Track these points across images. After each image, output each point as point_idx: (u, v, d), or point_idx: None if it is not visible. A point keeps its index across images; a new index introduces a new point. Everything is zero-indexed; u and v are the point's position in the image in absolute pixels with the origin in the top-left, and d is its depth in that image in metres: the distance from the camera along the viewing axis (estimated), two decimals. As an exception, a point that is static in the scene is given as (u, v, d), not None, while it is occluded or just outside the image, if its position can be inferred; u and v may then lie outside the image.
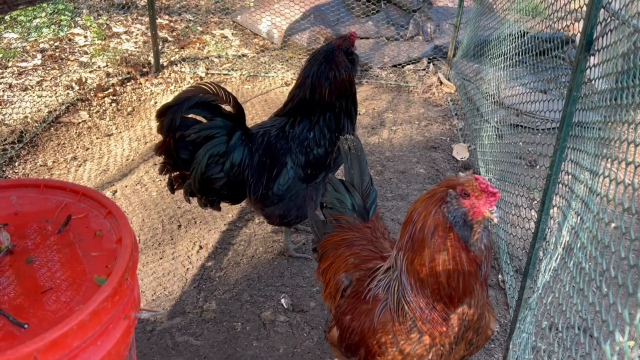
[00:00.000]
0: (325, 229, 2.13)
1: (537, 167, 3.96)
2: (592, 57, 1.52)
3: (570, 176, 1.67)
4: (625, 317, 0.84)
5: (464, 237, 1.45)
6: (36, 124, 4.01)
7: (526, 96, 4.06)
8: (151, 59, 4.91)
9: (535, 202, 3.51)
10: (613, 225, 1.08)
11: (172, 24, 5.83)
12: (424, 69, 5.32)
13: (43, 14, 5.59)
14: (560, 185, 1.72)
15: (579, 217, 1.44)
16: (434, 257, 1.48)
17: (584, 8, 1.87)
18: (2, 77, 4.54)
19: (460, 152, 4.13)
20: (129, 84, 4.69)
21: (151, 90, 4.63)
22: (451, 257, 1.45)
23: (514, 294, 2.49)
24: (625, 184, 1.06)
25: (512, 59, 3.63)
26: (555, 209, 1.79)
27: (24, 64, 4.76)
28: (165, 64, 5.01)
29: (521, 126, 4.32)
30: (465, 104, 4.62)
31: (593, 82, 1.50)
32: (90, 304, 1.07)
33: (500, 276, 2.97)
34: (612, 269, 0.99)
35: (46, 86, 4.50)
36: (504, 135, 3.53)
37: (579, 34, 1.54)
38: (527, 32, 3.54)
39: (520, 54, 3.46)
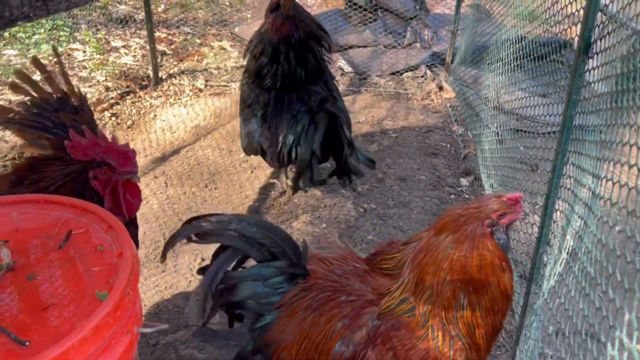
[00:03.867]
0: (260, 322, 1.76)
1: (539, 171, 3.95)
2: (590, 60, 1.52)
3: (572, 180, 1.67)
4: (633, 322, 0.83)
5: (505, 248, 1.56)
6: (36, 140, 4.01)
7: (526, 100, 4.05)
8: (150, 72, 4.93)
9: (538, 206, 3.49)
10: (617, 228, 1.07)
11: (170, 37, 5.86)
12: (422, 76, 5.33)
13: (42, 30, 5.61)
14: (562, 189, 1.72)
15: (582, 221, 1.43)
16: (501, 283, 1.55)
17: (581, 11, 1.88)
18: (2, 94, 4.55)
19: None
20: (128, 97, 4.70)
21: (150, 104, 4.65)
22: (509, 276, 1.56)
23: (519, 300, 2.47)
24: (628, 186, 1.06)
25: (510, 64, 3.63)
26: (558, 213, 1.78)
27: (23, 80, 4.77)
28: (164, 76, 5.02)
29: (521, 131, 4.31)
30: (464, 110, 4.63)
31: (593, 85, 1.50)
32: (92, 319, 1.06)
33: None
34: (618, 273, 0.98)
35: (46, 101, 4.51)
36: (504, 140, 3.53)
37: (576, 38, 1.54)
38: (525, 37, 3.54)
39: (519, 58, 3.47)
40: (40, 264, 1.27)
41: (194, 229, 1.77)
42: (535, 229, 2.75)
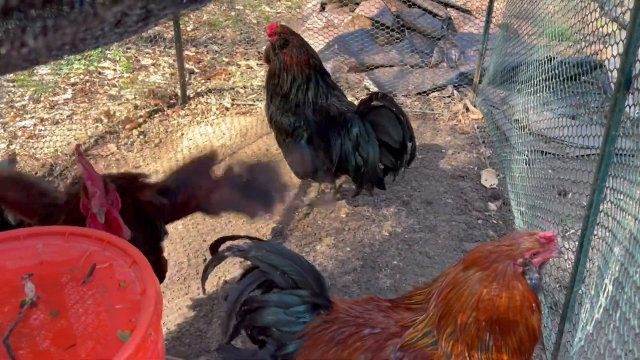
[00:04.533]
0: (282, 350, 1.75)
1: (569, 196, 3.85)
2: (630, 95, 1.47)
3: (611, 219, 1.60)
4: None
5: (537, 288, 1.52)
6: (66, 157, 4.08)
7: (555, 122, 3.96)
8: (178, 91, 4.98)
9: (568, 232, 3.39)
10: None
11: (198, 56, 5.93)
12: (449, 96, 5.28)
13: (74, 49, 5.74)
14: (599, 226, 1.65)
15: (623, 267, 1.37)
16: (528, 326, 1.51)
17: (615, 32, 1.82)
18: (35, 112, 4.65)
19: (489, 178, 4.05)
20: (156, 115, 4.76)
21: (178, 122, 4.69)
22: (537, 317, 1.53)
23: (550, 335, 2.38)
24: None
25: (539, 85, 3.57)
26: (594, 250, 1.71)
27: (55, 98, 4.88)
28: (191, 95, 5.07)
29: (550, 153, 4.21)
30: (493, 131, 4.55)
31: (634, 121, 1.44)
32: (113, 363, 1.04)
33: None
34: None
35: (76, 119, 4.59)
36: (533, 163, 3.45)
37: (607, 61, 1.48)
38: (555, 58, 3.48)
39: (548, 79, 3.40)
40: (64, 299, 1.26)
41: (219, 260, 1.80)
42: (565, 257, 2.67)
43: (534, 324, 1.51)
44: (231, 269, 3.12)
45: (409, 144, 3.20)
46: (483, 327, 1.51)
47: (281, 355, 1.77)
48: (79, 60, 5.55)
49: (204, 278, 1.88)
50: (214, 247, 1.89)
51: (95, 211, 1.70)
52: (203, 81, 5.42)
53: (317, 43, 5.61)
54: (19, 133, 4.33)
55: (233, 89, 5.29)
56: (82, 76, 5.30)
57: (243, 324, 1.80)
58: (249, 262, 1.84)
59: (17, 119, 4.53)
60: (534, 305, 1.51)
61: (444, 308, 1.58)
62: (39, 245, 1.39)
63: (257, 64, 5.84)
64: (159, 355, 1.22)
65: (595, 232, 1.67)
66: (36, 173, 3.86)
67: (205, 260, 3.19)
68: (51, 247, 1.39)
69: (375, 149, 3.20)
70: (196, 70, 5.62)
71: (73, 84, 5.14)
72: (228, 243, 1.90)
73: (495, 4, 4.76)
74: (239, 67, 5.75)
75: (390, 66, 5.52)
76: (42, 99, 4.85)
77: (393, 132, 3.17)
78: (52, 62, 5.40)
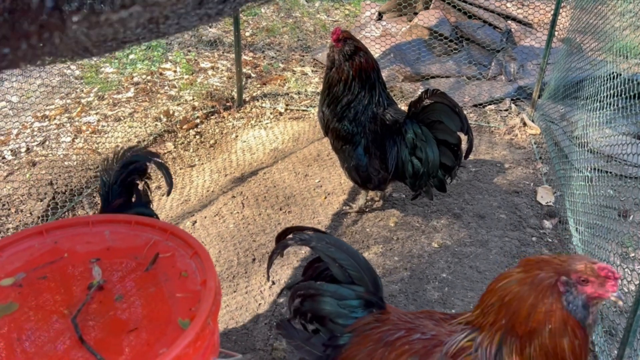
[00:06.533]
0: (334, 341, 1.78)
1: (630, 218, 3.68)
2: None
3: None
4: None
5: (581, 320, 1.42)
6: (126, 153, 4.23)
7: (617, 140, 3.81)
8: (234, 94, 5.09)
9: (630, 256, 3.25)
10: None
11: (255, 61, 6.05)
12: (506, 110, 5.16)
13: (138, 49, 5.97)
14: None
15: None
16: (555, 343, 1.45)
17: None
18: (99, 108, 4.86)
19: (545, 195, 3.93)
20: (212, 117, 4.88)
21: (233, 124, 4.79)
22: (573, 338, 1.44)
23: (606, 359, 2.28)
24: None
25: (604, 101, 3.44)
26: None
27: (118, 96, 5.08)
28: (247, 99, 5.18)
29: (611, 172, 4.05)
30: (551, 148, 4.41)
31: None
32: (174, 349, 1.08)
33: (589, 337, 2.74)
34: None
35: (137, 117, 4.77)
36: (593, 182, 3.32)
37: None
38: (622, 74, 3.35)
39: (614, 96, 3.28)
40: (128, 285, 1.31)
41: (282, 247, 1.86)
42: (624, 281, 2.55)
43: (563, 346, 1.43)
44: (279, 270, 3.15)
45: (466, 136, 3.10)
46: (505, 325, 1.50)
47: (332, 346, 1.79)
48: (142, 60, 5.77)
49: (269, 265, 1.92)
50: (280, 237, 1.92)
51: None
52: (259, 86, 5.52)
53: (373, 51, 5.60)
54: (84, 128, 4.54)
55: (287, 94, 5.36)
56: (144, 76, 5.50)
57: (299, 310, 1.83)
58: (297, 265, 1.87)
59: (83, 114, 4.75)
60: (563, 327, 1.43)
61: (489, 305, 1.58)
62: (107, 232, 1.45)
63: (312, 71, 5.89)
64: (215, 344, 1.25)
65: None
66: (97, 167, 4.02)
67: (254, 260, 3.24)
68: (118, 235, 1.45)
69: (434, 148, 3.14)
70: (252, 75, 5.73)
71: (136, 84, 5.34)
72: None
73: (559, 17, 4.63)
74: (294, 73, 5.82)
75: (447, 77, 5.45)
76: (106, 96, 5.07)
77: (450, 124, 3.08)
78: (127, 51, 5.63)
